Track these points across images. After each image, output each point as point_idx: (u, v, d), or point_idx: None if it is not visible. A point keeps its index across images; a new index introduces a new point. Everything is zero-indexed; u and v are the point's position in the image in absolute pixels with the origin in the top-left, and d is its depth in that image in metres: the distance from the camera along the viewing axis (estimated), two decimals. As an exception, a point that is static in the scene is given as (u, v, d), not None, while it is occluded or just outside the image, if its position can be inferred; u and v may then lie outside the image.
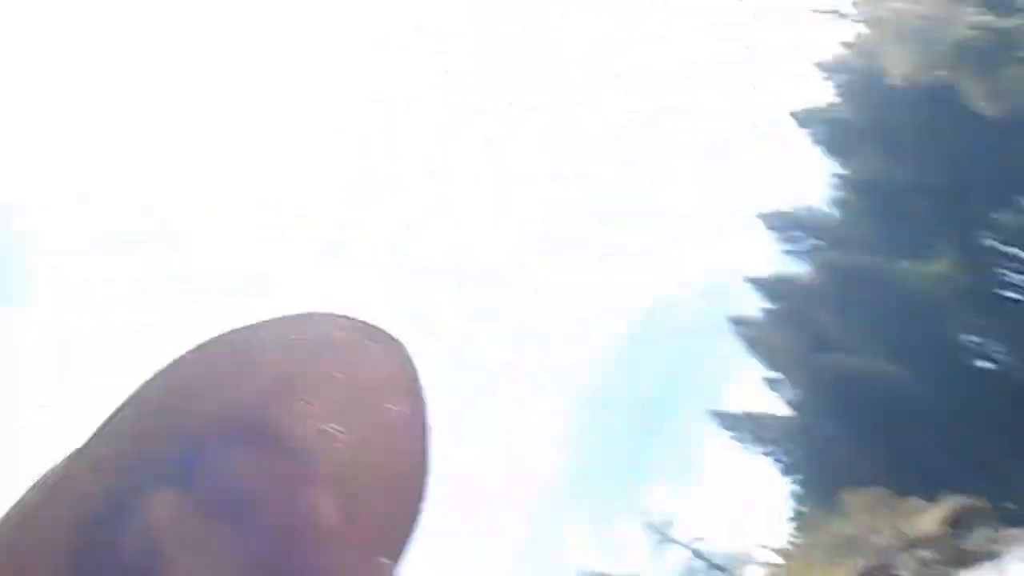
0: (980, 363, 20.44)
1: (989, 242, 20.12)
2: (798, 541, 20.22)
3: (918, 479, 16.06)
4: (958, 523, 13.23)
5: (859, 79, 20.31)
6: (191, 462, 0.56)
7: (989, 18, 14.85)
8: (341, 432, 0.59)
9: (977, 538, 12.55)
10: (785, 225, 23.90)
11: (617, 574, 26.64)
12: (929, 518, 13.62)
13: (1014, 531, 12.89)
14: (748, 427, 26.82)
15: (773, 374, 25.17)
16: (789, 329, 23.52)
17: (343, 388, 0.60)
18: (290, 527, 0.56)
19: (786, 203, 23.98)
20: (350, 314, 0.62)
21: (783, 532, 23.24)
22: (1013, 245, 20.12)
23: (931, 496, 14.36)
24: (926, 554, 12.08)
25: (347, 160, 32.21)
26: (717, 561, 24.18)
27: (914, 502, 14.31)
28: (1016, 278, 20.52)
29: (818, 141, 22.25)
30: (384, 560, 0.60)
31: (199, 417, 0.57)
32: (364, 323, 0.62)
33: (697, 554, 24.62)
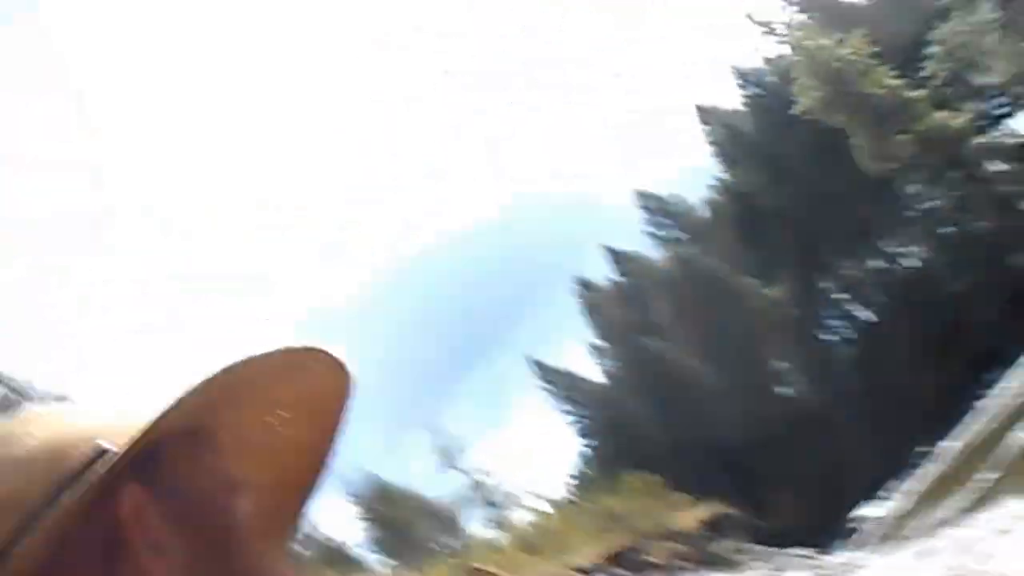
0: (780, 389, 21.91)
1: (824, 284, 21.42)
2: (571, 501, 21.21)
3: (692, 477, 17.14)
4: (713, 527, 14.27)
5: (768, 97, 20.80)
6: (154, 462, 0.60)
7: (900, 83, 15.44)
8: (271, 434, 0.67)
9: (725, 545, 13.59)
10: (656, 209, 24.47)
11: (396, 483, 27.13)
12: (690, 515, 14.58)
13: (757, 547, 14.05)
14: (562, 384, 27.73)
15: (599, 342, 26.05)
16: (626, 305, 24.31)
17: (284, 400, 0.67)
18: (223, 527, 0.62)
19: (663, 188, 24.48)
20: (308, 341, 0.68)
21: (561, 488, 24.42)
22: (843, 293, 21.56)
23: (698, 496, 15.36)
24: (678, 547, 12.95)
25: (347, 160, 30.87)
26: (493, 497, 25.07)
27: (681, 497, 15.25)
28: (835, 323, 22.04)
29: (712, 141, 22.73)
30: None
31: (166, 425, 0.60)
32: (313, 346, 0.67)
33: (476, 485, 25.44)
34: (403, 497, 26.75)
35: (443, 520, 25.52)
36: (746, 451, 19.88)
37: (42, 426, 0.63)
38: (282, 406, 0.67)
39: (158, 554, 0.57)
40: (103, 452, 0.58)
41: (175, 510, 0.59)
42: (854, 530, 15.57)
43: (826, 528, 16.16)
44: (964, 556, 7.67)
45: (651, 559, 12.52)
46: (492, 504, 24.67)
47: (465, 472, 24.89)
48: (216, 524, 0.61)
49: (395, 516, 25.55)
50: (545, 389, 31.95)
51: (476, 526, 24.67)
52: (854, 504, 16.82)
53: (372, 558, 24.63)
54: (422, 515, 25.91)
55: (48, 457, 0.60)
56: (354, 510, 27.37)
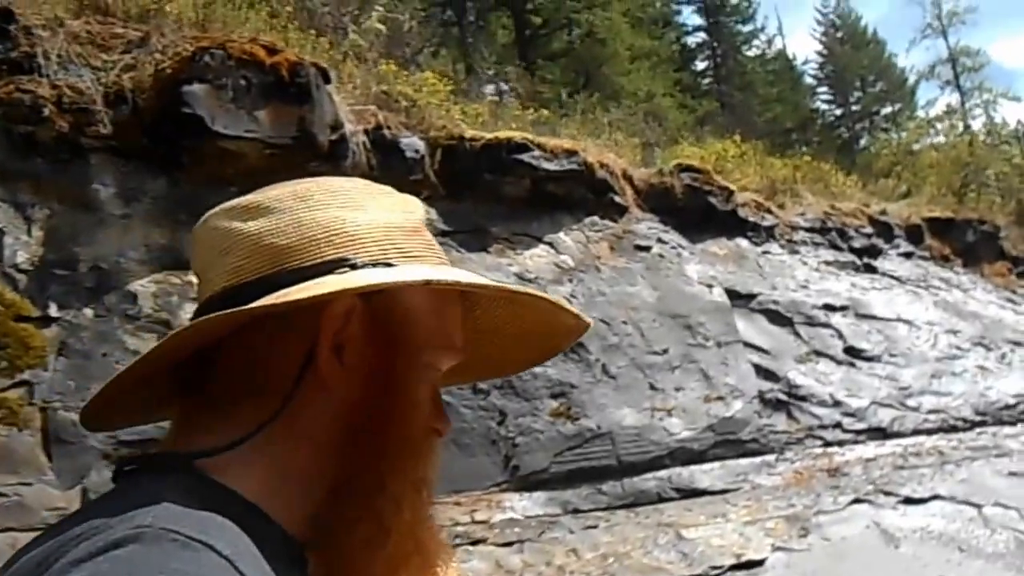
0: None
1: None
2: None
3: None
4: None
5: None
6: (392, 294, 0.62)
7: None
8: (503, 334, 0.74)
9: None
10: None
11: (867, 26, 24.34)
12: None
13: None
14: None
15: None
16: None
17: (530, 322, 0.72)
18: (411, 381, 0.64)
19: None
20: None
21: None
22: None
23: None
24: (1005, 273, 11.08)
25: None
26: (963, 87, 22.12)
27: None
28: None
29: None
30: None
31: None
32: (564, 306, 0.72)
33: (955, 64, 22.41)
34: (869, 40, 23.93)
35: (894, 82, 22.91)
36: None
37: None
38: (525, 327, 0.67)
39: (337, 357, 0.55)
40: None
41: (378, 338, 0.56)
42: None
43: None
44: None
45: (984, 274, 10.79)
46: (959, 91, 21.58)
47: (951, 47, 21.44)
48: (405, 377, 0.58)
49: (849, 54, 23.37)
50: None
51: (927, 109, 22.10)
52: None
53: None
54: (876, 65, 23.37)
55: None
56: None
